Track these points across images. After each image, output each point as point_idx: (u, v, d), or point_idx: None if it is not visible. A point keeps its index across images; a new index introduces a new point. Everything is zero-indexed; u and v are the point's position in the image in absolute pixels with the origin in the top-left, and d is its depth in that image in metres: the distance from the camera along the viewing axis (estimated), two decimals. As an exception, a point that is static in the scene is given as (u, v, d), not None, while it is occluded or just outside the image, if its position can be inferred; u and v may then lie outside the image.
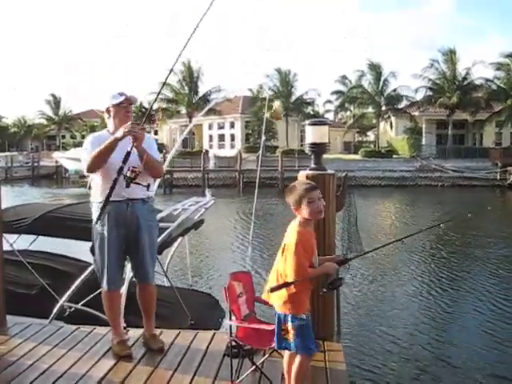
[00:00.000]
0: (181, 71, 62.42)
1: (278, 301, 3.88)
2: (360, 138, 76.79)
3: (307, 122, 5.72)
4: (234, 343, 4.37)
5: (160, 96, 55.78)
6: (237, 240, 20.26)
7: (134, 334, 5.47)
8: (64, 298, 6.38)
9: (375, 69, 60.95)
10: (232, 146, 67.76)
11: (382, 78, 60.83)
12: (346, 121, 73.45)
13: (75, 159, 41.88)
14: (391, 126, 63.82)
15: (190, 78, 63.34)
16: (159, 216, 5.97)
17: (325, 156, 5.71)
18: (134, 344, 5.30)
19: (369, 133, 73.58)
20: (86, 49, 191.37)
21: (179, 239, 7.54)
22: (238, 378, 4.40)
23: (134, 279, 5.46)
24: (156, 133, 68.86)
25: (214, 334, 5.67)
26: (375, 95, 60.79)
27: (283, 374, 4.19)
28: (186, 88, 63.76)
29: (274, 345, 4.04)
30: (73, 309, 6.43)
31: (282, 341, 3.88)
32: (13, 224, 6.71)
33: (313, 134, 5.57)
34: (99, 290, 5.34)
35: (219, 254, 17.67)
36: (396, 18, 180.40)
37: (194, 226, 7.37)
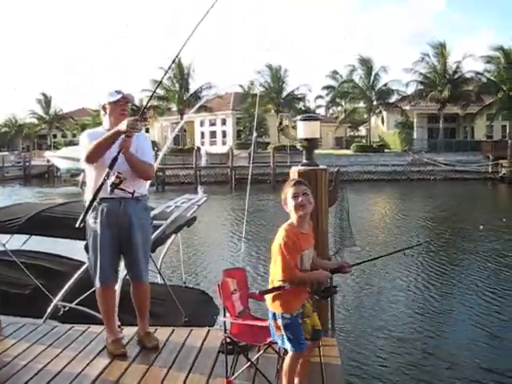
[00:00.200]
0: (171, 68, 62.24)
1: (268, 299, 3.93)
2: (352, 133, 76.76)
3: (298, 117, 5.72)
4: (228, 340, 4.37)
5: (151, 93, 55.64)
6: (229, 236, 20.28)
7: (129, 332, 5.46)
8: (58, 298, 6.36)
9: (366, 63, 60.95)
10: (224, 143, 67.71)
11: (373, 73, 60.85)
12: (337, 116, 73.40)
13: (67, 158, 41.83)
14: (382, 121, 63.91)
15: (181, 75, 63.16)
16: (152, 214, 5.96)
17: (316, 151, 5.72)
18: (128, 342, 5.29)
19: (360, 127, 73.56)
20: (86, 49, 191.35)
21: (172, 237, 7.53)
22: (233, 374, 4.40)
23: (127, 277, 5.46)
24: (147, 130, 68.66)
25: (209, 330, 5.67)
26: (366, 90, 60.80)
27: (278, 370, 4.21)
28: (176, 85, 63.58)
29: (269, 340, 4.08)
30: (67, 308, 6.41)
31: (275, 335, 3.95)
32: (5, 224, 6.70)
33: (304, 130, 5.58)
34: (93, 289, 5.33)
35: (212, 251, 17.69)
36: (386, 14, 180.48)
37: (186, 224, 7.36)
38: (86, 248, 5.15)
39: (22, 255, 7.50)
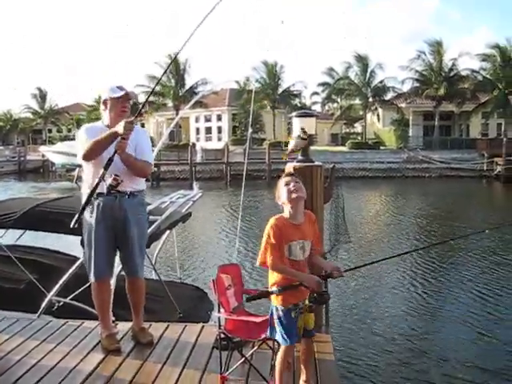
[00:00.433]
0: (167, 64, 62.09)
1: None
2: (347, 130, 76.71)
3: (294, 113, 5.71)
4: (222, 335, 4.37)
5: (146, 89, 55.60)
6: (224, 232, 20.28)
7: (123, 327, 5.46)
8: (52, 293, 6.35)
9: (362, 60, 60.93)
10: (219, 139, 67.61)
11: (369, 70, 60.84)
12: (333, 112, 73.39)
13: (62, 153, 41.69)
14: (378, 118, 63.86)
15: (177, 71, 63.03)
16: (147, 209, 5.95)
17: (312, 148, 5.72)
18: (122, 338, 5.29)
19: (356, 124, 73.50)
20: (86, 49, 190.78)
21: (167, 232, 7.53)
22: (227, 370, 4.40)
23: (122, 273, 5.45)
24: (143, 126, 68.55)
25: (203, 326, 5.67)
26: (362, 87, 60.79)
27: (272, 366, 4.22)
28: (172, 81, 63.44)
29: (263, 336, 4.10)
30: (61, 303, 6.40)
31: (272, 329, 3.99)
32: (0, 219, 6.68)
33: (300, 126, 5.57)
34: (88, 284, 5.33)
35: (207, 247, 17.69)
36: (383, 11, 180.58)
37: (181, 219, 7.36)
38: (82, 243, 5.14)
39: (17, 250, 7.48)
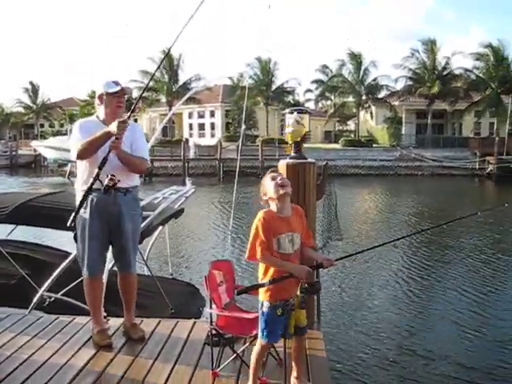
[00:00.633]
0: (160, 59, 61.95)
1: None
2: (340, 127, 76.88)
3: (287, 110, 5.71)
4: (214, 332, 4.38)
5: (139, 85, 55.50)
6: (217, 229, 20.28)
7: (115, 323, 5.46)
8: (43, 288, 6.32)
9: (355, 58, 61.02)
10: (212, 135, 67.61)
11: (363, 68, 60.98)
12: (326, 110, 73.45)
13: (54, 148, 41.57)
14: (371, 116, 64.05)
15: (170, 67, 62.94)
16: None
17: (305, 145, 5.71)
18: (114, 333, 5.29)
19: (349, 122, 73.71)
20: (86, 49, 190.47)
21: (159, 228, 7.51)
22: (218, 366, 4.41)
23: (114, 268, 5.44)
24: (136, 121, 68.21)
25: (195, 322, 5.67)
26: (355, 84, 60.91)
27: (264, 362, 4.22)
28: (165, 76, 63.38)
29: (255, 332, 4.10)
30: (52, 299, 6.38)
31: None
32: (-9, 213, 6.65)
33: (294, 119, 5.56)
34: (79, 280, 5.31)
35: (199, 243, 17.67)
36: (383, 9, 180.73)
37: (174, 215, 7.34)
38: (75, 238, 5.13)
39: (8, 245, 7.46)
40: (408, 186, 39.56)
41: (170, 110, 57.44)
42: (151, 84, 61.08)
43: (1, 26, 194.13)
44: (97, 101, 5.08)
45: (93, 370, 4.54)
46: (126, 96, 5.08)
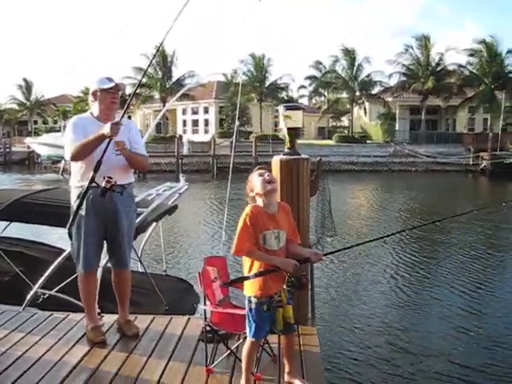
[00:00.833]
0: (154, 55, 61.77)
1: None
2: (334, 123, 76.82)
3: (281, 106, 5.70)
4: (208, 328, 4.38)
5: (133, 81, 55.30)
6: (211, 225, 20.26)
7: (109, 319, 5.46)
8: (37, 285, 6.31)
9: (349, 54, 61.02)
10: (206, 132, 67.54)
11: (356, 64, 60.99)
12: (320, 106, 73.45)
13: (47, 145, 41.49)
14: (365, 112, 64.03)
15: (164, 63, 62.80)
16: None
17: (299, 141, 5.72)
18: (108, 330, 5.29)
19: (343, 118, 73.61)
20: (86, 49, 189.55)
21: (153, 224, 7.51)
22: (212, 362, 4.41)
23: (108, 265, 5.44)
24: (130, 118, 68.26)
25: (189, 319, 5.68)
26: (349, 80, 60.94)
27: (258, 358, 4.23)
28: (159, 73, 63.24)
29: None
30: (46, 295, 6.37)
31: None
32: (-16, 210, 6.63)
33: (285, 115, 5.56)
34: (73, 276, 5.31)
35: (193, 239, 17.67)
36: (379, 6, 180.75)
37: (168, 212, 7.33)
38: (70, 235, 5.11)
39: (2, 242, 7.46)
40: (402, 182, 39.61)
41: (163, 106, 57.32)
42: (145, 80, 61.05)
43: (1, 25, 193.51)
44: (91, 97, 5.07)
45: (87, 366, 4.54)
46: (119, 92, 5.07)
